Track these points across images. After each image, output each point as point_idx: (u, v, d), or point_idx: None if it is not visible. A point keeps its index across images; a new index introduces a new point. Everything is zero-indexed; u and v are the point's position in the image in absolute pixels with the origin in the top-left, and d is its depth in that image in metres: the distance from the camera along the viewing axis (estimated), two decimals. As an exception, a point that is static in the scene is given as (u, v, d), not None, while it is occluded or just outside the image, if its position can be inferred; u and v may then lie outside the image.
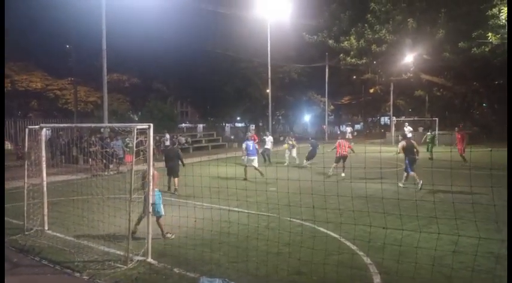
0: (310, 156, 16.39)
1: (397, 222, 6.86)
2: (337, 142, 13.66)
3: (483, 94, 32.56)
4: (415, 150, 11.10)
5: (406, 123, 27.26)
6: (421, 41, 26.27)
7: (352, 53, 29.11)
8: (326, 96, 38.69)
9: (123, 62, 33.49)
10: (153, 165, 6.24)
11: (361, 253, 5.92)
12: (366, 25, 27.63)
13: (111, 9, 19.06)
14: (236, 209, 8.26)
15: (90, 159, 15.85)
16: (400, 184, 11.02)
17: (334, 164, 13.30)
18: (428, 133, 21.00)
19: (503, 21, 21.87)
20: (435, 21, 25.51)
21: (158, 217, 6.57)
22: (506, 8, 21.62)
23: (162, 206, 6.65)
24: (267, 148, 17.60)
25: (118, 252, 6.09)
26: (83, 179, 12.46)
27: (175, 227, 6.53)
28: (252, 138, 15.90)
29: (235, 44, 32.53)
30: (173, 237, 6.68)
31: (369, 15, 27.45)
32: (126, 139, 16.17)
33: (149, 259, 5.74)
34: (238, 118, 51.89)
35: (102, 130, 19.26)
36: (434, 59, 28.21)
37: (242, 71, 34.35)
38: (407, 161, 11.02)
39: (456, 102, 37.36)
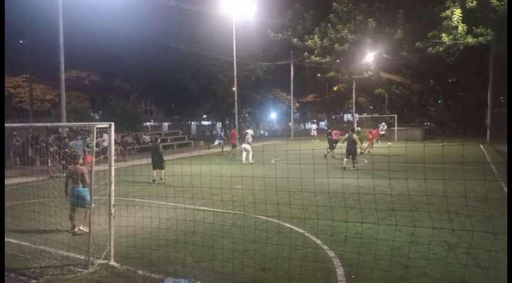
0: None
1: (359, 216, 7.11)
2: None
3: (438, 91, 34.33)
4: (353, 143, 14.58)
5: (383, 123, 28.15)
6: (381, 40, 27.24)
7: (316, 51, 29.65)
8: (291, 93, 39.24)
9: (83, 58, 32.17)
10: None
11: (325, 247, 6.08)
12: (328, 24, 28.22)
13: (70, 2, 18.23)
14: (201, 208, 8.21)
15: (49, 160, 15.15)
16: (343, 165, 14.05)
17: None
18: (358, 128, 23.36)
19: (455, 22, 23.14)
20: (394, 21, 26.52)
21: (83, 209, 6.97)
22: (458, 10, 22.90)
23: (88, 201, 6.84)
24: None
25: (78, 256, 5.89)
26: (39, 181, 11.86)
27: (139, 228, 6.39)
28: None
29: (200, 41, 32.18)
30: (85, 230, 6.82)
31: (331, 15, 28.07)
32: (87, 139, 15.61)
33: (112, 262, 5.59)
34: (204, 116, 51.43)
35: (59, 130, 18.42)
36: (393, 58, 29.36)
37: (207, 68, 34.05)
38: (345, 150, 14.47)
39: (414, 99, 39.11)
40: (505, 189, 10.17)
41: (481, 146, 21.84)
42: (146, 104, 63.26)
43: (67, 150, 14.95)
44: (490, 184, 10.77)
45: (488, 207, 7.49)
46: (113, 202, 5.82)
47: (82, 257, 5.75)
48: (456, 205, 8.09)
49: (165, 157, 12.23)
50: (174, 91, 37.62)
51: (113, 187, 5.80)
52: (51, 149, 15.08)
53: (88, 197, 6.61)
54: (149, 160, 12.54)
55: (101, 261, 5.56)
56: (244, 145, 17.32)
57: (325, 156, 17.59)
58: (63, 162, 14.11)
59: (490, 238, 5.72)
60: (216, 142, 22.16)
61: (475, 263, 5.30)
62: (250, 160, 16.82)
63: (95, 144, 5.75)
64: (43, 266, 5.54)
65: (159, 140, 13.18)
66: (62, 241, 6.47)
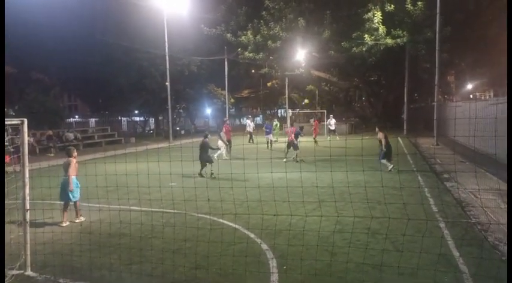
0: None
1: (289, 209, 7.32)
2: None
3: (362, 89, 36.78)
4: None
5: (331, 115, 28.86)
6: (310, 39, 28.35)
7: (249, 47, 29.94)
8: (226, 89, 39.10)
9: (-8, 47, 28.74)
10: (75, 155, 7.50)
11: (257, 240, 6.16)
12: (261, 21, 28.66)
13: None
14: (129, 208, 7.82)
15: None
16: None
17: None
18: (275, 122, 24.89)
19: (376, 24, 24.94)
20: (321, 21, 27.77)
21: (75, 202, 7.36)
22: (378, 13, 24.70)
23: (78, 191, 7.39)
24: (250, 132, 23.57)
25: (-14, 269, 5.26)
26: None
27: (59, 233, 5.90)
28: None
29: (129, 33, 30.51)
30: (83, 219, 7.35)
31: (264, 12, 28.52)
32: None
33: (28, 272, 5.10)
34: (136, 112, 49.15)
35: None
36: (321, 56, 30.75)
37: (138, 62, 32.49)
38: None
39: (341, 96, 41.47)
40: (419, 178, 11.24)
41: (399, 139, 23.90)
42: (70, 99, 58.77)
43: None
44: (406, 174, 11.84)
45: (402, 194, 8.22)
46: (27, 206, 5.29)
47: (-9, 269, 5.15)
48: (377, 194, 8.74)
49: (94, 156, 11.50)
50: (101, 85, 35.32)
51: (27, 190, 5.27)
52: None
53: (66, 190, 7.21)
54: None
55: (15, 272, 5.06)
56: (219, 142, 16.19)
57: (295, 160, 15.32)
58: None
59: (405, 223, 6.26)
60: (271, 137, 20.85)
61: (393, 247, 5.76)
62: (224, 157, 16.33)
63: (5, 142, 5.18)
64: None
65: (208, 137, 13.12)
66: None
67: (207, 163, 12.49)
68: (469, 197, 8.57)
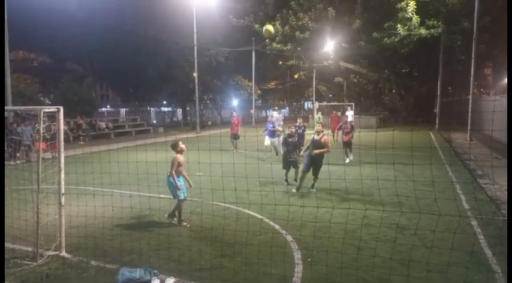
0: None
1: (318, 201, 7.28)
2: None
3: (393, 81, 35.69)
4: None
5: (349, 107, 28.48)
6: (340, 29, 27.71)
7: (277, 38, 29.67)
8: (253, 80, 39.07)
9: (30, 38, 29.99)
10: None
11: (282, 232, 6.18)
12: (290, 11, 28.28)
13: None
14: (158, 196, 8.03)
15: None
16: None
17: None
18: (317, 115, 24.46)
19: (410, 14, 24.05)
20: (352, 11, 27.05)
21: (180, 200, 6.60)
22: (412, 2, 23.79)
23: (181, 191, 6.56)
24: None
25: (25, 248, 5.58)
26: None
27: (92, 217, 6.14)
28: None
29: (158, 23, 31.00)
30: (188, 225, 6.52)
31: (292, 2, 28.12)
32: (36, 124, 14.66)
33: (63, 254, 5.35)
34: (164, 102, 50.11)
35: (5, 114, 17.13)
36: (351, 47, 30.01)
37: (167, 52, 33.00)
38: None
39: (370, 88, 40.45)
40: (451, 174, 10.87)
41: (430, 133, 23.13)
42: (102, 89, 60.53)
43: (14, 136, 13.98)
44: (437, 169, 11.47)
45: (434, 190, 7.98)
46: (62, 191, 5.53)
47: (30, 249, 5.46)
48: (407, 189, 8.53)
49: (125, 144, 11.71)
50: (131, 75, 36.18)
51: (62, 175, 5.51)
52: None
53: (172, 188, 6.51)
54: (100, 148, 11.96)
55: (51, 253, 5.31)
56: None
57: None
58: (9, 149, 13.24)
59: (435, 219, 6.10)
60: (267, 140, 14.42)
61: (421, 243, 5.63)
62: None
63: (42, 129, 5.42)
64: (-15, 260, 5.18)
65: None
66: (8, 234, 6.08)
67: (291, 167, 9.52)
68: (504, 195, 8.20)
